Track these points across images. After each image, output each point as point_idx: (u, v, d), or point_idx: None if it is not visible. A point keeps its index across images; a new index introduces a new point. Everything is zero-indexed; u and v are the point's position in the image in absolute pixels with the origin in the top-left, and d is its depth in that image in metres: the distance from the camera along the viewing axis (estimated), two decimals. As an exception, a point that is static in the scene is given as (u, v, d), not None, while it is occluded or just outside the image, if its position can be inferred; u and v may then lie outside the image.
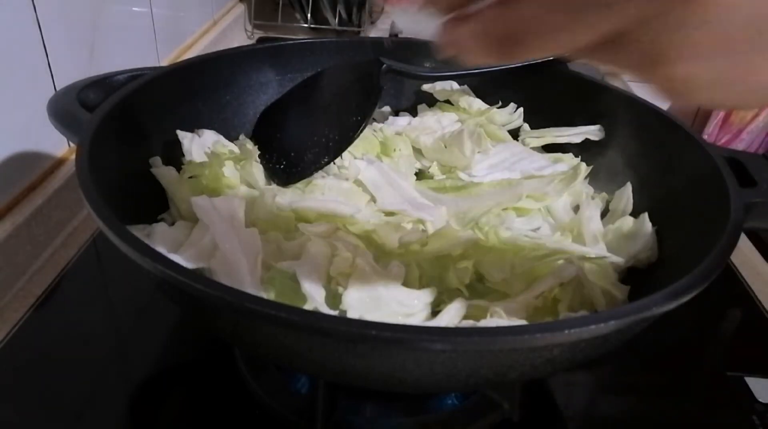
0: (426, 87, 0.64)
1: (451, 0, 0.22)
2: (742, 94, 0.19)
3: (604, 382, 0.48)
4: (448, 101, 0.63)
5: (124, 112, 0.44)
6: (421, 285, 0.41)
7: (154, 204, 0.47)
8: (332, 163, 0.51)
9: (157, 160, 0.47)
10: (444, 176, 0.54)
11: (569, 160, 0.55)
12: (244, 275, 0.39)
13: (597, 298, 0.38)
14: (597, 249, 0.44)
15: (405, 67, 0.54)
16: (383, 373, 0.30)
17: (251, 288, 0.38)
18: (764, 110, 1.33)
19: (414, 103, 0.66)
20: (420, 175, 0.56)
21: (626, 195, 0.50)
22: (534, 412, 0.44)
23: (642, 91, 0.68)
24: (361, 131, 0.49)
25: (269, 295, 0.38)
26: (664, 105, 0.50)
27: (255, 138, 0.56)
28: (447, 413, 0.43)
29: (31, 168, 0.58)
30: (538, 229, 0.49)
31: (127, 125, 0.45)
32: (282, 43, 0.62)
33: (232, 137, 0.56)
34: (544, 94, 0.60)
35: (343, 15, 1.14)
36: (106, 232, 0.32)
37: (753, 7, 0.17)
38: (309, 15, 1.15)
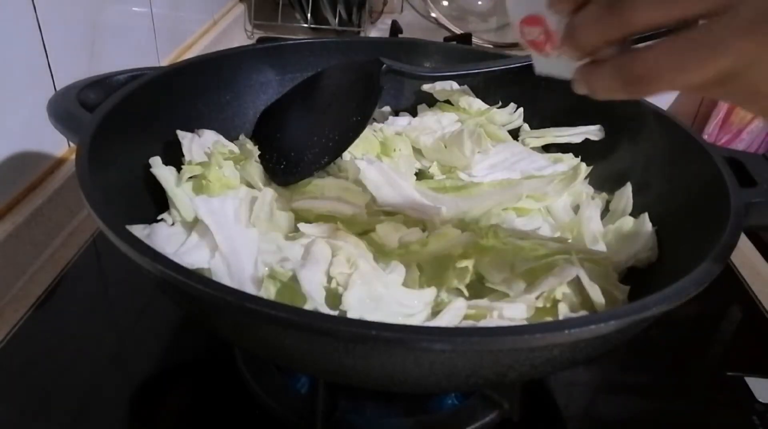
0: (426, 87, 0.64)
1: (585, 49, 0.26)
2: None
3: (604, 382, 0.48)
4: (448, 101, 0.63)
5: (124, 112, 0.44)
6: (421, 285, 0.41)
7: (154, 204, 0.47)
8: (332, 163, 0.51)
9: (157, 160, 0.47)
10: (444, 176, 0.54)
11: (569, 160, 0.55)
12: (244, 275, 0.39)
13: (597, 298, 0.38)
14: (597, 249, 0.44)
15: (405, 67, 0.54)
16: (383, 373, 0.30)
17: (251, 288, 0.38)
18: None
19: (414, 103, 0.66)
20: (420, 175, 0.56)
21: (626, 195, 0.50)
22: (534, 412, 0.44)
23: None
24: (361, 131, 0.49)
25: (269, 295, 0.38)
26: (664, 105, 0.50)
27: (255, 138, 0.56)
28: (447, 413, 0.43)
29: (31, 168, 0.58)
30: (538, 229, 0.49)
31: (127, 125, 0.45)
32: (282, 43, 0.62)
33: (232, 137, 0.56)
34: (544, 94, 0.60)
35: (343, 15, 1.14)
36: (106, 232, 0.32)
37: None
38: (309, 15, 1.15)
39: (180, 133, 0.50)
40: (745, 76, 0.23)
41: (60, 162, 0.62)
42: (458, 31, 1.17)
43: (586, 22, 0.26)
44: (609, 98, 0.27)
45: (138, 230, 0.42)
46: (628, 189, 0.50)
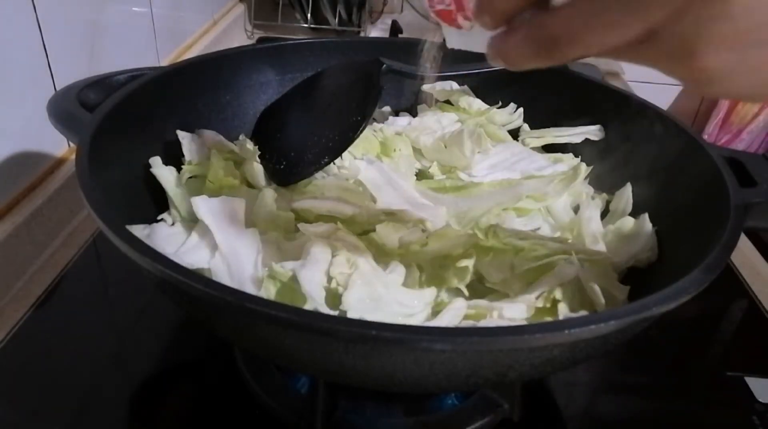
0: (426, 87, 0.63)
1: (500, 14, 0.24)
2: (766, 82, 0.21)
3: (604, 382, 0.48)
4: (448, 101, 0.63)
5: (124, 112, 0.44)
6: (421, 285, 0.41)
7: (154, 204, 0.47)
8: (332, 163, 0.51)
9: (157, 160, 0.47)
10: (444, 176, 0.54)
11: (569, 160, 0.55)
12: (244, 275, 0.39)
13: (597, 298, 0.38)
14: (597, 249, 0.44)
15: (405, 67, 0.54)
16: (383, 373, 0.30)
17: (251, 288, 0.38)
18: (764, 110, 1.33)
19: (414, 103, 0.66)
20: (420, 175, 0.56)
21: (626, 195, 0.50)
22: (534, 412, 0.44)
23: (642, 91, 0.69)
24: (361, 131, 0.49)
25: (269, 295, 0.38)
26: (664, 105, 0.50)
27: (255, 138, 0.56)
28: (447, 413, 0.43)
29: (31, 168, 0.58)
30: (538, 229, 0.49)
31: (127, 125, 0.45)
32: (282, 43, 0.62)
33: (232, 137, 0.56)
34: (544, 94, 0.60)
35: (343, 15, 1.14)
36: (106, 232, 0.32)
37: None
38: (309, 15, 1.15)
39: (180, 133, 0.50)
40: (672, 32, 0.20)
41: (60, 162, 0.62)
42: (458, 31, 1.17)
43: None
44: (525, 67, 0.24)
45: (138, 230, 0.42)
46: (627, 189, 0.50)
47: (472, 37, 0.27)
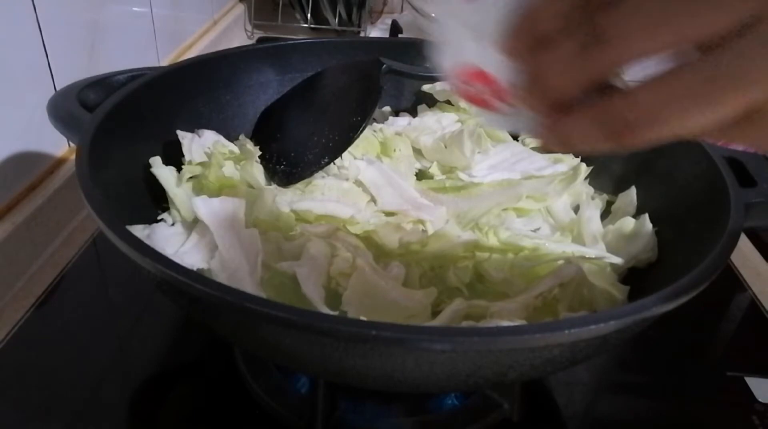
0: (426, 87, 0.63)
1: (554, 101, 0.20)
2: None
3: (604, 382, 0.48)
4: (448, 101, 0.63)
5: (124, 112, 0.44)
6: (421, 285, 0.41)
7: (154, 204, 0.47)
8: (332, 163, 0.51)
9: (157, 160, 0.47)
10: (444, 176, 0.54)
11: (569, 160, 0.55)
12: (244, 275, 0.39)
13: (597, 298, 0.38)
14: (597, 249, 0.44)
15: (405, 67, 0.54)
16: (383, 373, 0.30)
17: (251, 288, 0.38)
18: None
19: (414, 103, 0.66)
20: (420, 175, 0.56)
21: (630, 198, 0.49)
22: (534, 412, 0.44)
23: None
24: (361, 132, 0.49)
25: (269, 295, 0.38)
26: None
27: (255, 138, 0.56)
28: (447, 413, 0.43)
29: (31, 168, 0.58)
30: (538, 229, 0.49)
31: (127, 125, 0.45)
32: (282, 43, 0.62)
33: (232, 137, 0.56)
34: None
35: (343, 15, 1.14)
36: (106, 232, 0.32)
37: None
38: (309, 15, 1.15)
39: (180, 133, 0.50)
40: None
41: (60, 162, 0.62)
42: (458, 31, 1.17)
43: (555, 68, 0.19)
44: (590, 151, 0.20)
45: (138, 230, 0.42)
46: (632, 192, 0.50)
47: (515, 119, 0.22)
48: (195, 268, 0.40)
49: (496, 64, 0.20)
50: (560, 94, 0.19)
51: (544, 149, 0.22)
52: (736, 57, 0.16)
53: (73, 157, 0.62)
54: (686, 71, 0.17)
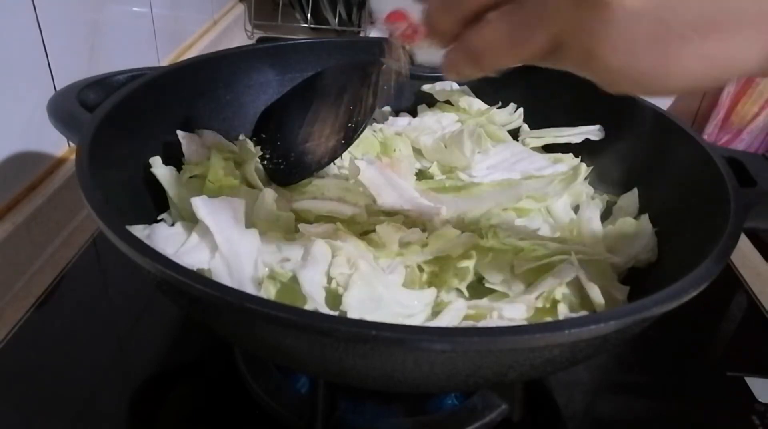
0: (426, 87, 0.64)
1: (446, 31, 0.27)
2: (664, 78, 0.23)
3: (604, 382, 0.48)
4: (448, 101, 0.63)
5: (124, 113, 0.44)
6: (421, 285, 0.41)
7: (154, 204, 0.47)
8: (332, 163, 0.51)
9: (157, 160, 0.47)
10: (444, 176, 0.54)
11: (569, 160, 0.55)
12: (244, 275, 0.39)
13: (597, 298, 0.38)
14: (597, 249, 0.44)
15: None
16: (383, 373, 0.30)
17: (251, 288, 0.38)
18: (764, 110, 1.33)
19: (414, 103, 0.66)
20: (420, 175, 0.56)
21: (632, 199, 0.49)
22: (534, 412, 0.44)
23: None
24: (362, 132, 0.49)
25: (269, 295, 0.38)
26: (664, 105, 0.50)
27: (255, 138, 0.56)
28: (447, 413, 0.43)
29: (31, 168, 0.58)
30: (538, 229, 0.49)
31: (127, 125, 0.45)
32: (282, 43, 0.62)
33: (232, 137, 0.56)
34: (544, 94, 0.60)
35: (343, 15, 1.14)
36: (106, 232, 0.32)
37: (657, 9, 0.21)
38: (309, 15, 1.15)
39: (180, 133, 0.50)
40: (572, 41, 0.23)
41: (60, 162, 0.62)
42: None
43: (436, 7, 0.27)
44: (466, 78, 0.28)
45: (138, 230, 0.42)
46: (634, 194, 0.50)
47: (433, 54, 0.29)
48: (195, 268, 0.40)
49: (411, 8, 0.29)
50: (443, 28, 0.27)
51: (445, 76, 0.29)
52: (537, 3, 0.23)
53: (73, 157, 0.62)
54: (508, 13, 0.24)
